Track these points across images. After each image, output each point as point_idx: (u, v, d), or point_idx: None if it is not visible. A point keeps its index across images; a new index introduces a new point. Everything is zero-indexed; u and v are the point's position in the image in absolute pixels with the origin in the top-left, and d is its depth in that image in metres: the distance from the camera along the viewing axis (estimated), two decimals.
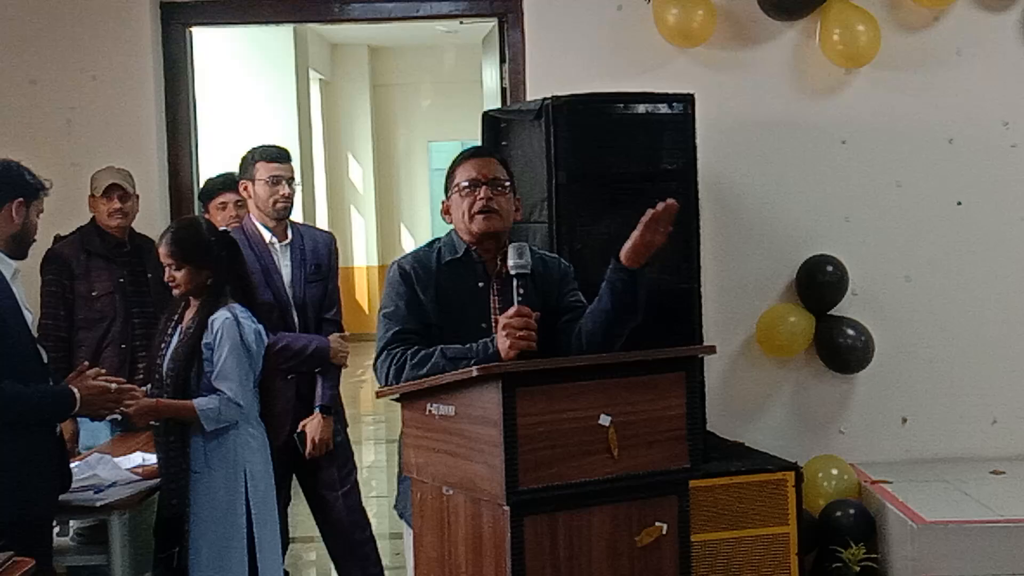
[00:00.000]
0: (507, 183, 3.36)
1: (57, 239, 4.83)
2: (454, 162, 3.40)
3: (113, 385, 3.76)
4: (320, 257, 4.69)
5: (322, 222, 12.86)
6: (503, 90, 5.54)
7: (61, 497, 3.78)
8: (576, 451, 2.83)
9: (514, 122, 4.80)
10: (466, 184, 3.32)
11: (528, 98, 5.23)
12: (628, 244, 3.11)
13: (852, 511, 4.97)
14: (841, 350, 5.26)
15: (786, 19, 5.30)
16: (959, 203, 5.39)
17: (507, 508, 2.75)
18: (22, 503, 3.51)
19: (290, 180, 4.62)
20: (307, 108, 11.99)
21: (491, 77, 5.80)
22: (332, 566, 4.97)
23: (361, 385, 11.21)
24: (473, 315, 3.30)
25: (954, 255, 5.40)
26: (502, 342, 3.06)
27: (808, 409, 5.43)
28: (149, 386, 4.06)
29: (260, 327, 4.07)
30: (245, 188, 4.64)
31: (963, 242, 5.39)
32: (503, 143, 4.85)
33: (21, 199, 3.67)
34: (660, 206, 3.05)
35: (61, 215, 4.77)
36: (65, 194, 4.72)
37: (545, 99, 4.52)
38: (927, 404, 5.41)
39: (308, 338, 4.57)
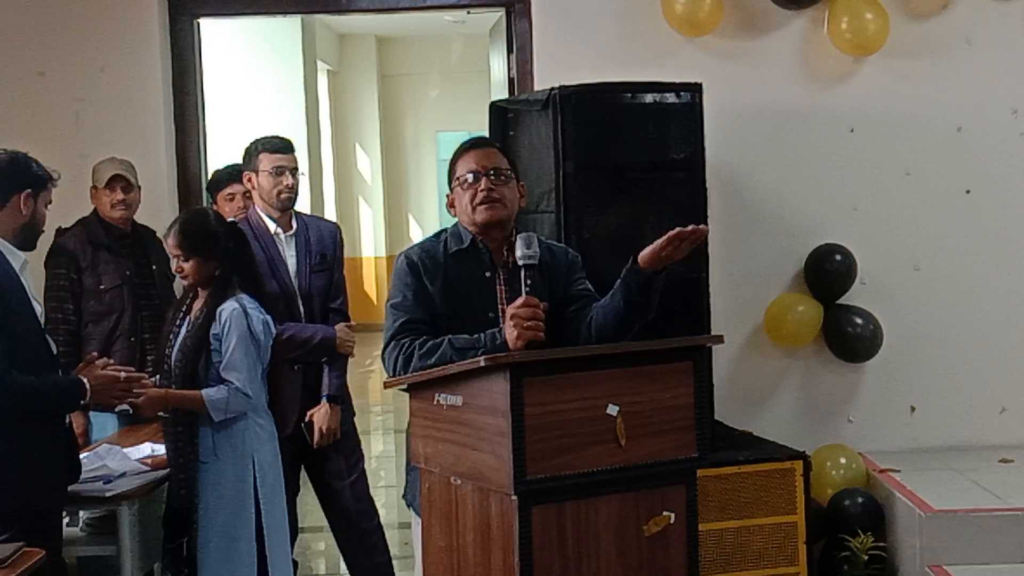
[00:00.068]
0: (508, 172, 3.37)
1: (59, 232, 4.82)
2: (455, 155, 3.42)
3: (122, 375, 3.77)
4: (325, 247, 4.69)
5: (330, 213, 12.86)
6: (511, 80, 5.54)
7: (71, 488, 3.79)
8: (584, 441, 2.83)
9: (522, 112, 4.79)
10: (467, 176, 3.33)
11: (536, 88, 5.23)
12: (648, 250, 3.11)
13: (860, 500, 4.97)
14: (849, 339, 5.26)
15: (794, 8, 5.29)
16: (968, 191, 5.38)
17: (515, 498, 2.75)
18: (31, 494, 3.52)
19: (294, 170, 4.63)
20: (315, 99, 11.98)
21: (498, 67, 5.79)
22: (341, 556, 4.99)
23: (369, 375, 11.22)
24: (480, 305, 3.31)
25: (963, 244, 5.38)
26: (510, 332, 3.07)
27: (816, 398, 5.43)
28: (158, 377, 4.07)
29: (268, 318, 4.08)
30: (249, 179, 4.65)
31: (972, 231, 5.38)
32: (511, 133, 4.85)
33: (29, 190, 3.67)
34: (690, 228, 3.06)
35: (70, 207, 4.79)
36: (74, 186, 4.75)
37: (552, 89, 4.52)
38: (936, 393, 5.40)
39: (314, 328, 4.58)
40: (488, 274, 3.35)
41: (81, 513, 4.15)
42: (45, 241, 4.62)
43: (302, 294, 4.60)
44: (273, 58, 11.05)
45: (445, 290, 3.31)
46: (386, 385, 3.28)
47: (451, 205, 3.42)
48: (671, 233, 3.07)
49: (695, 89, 4.61)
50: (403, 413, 3.30)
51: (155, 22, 5.38)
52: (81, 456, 3.97)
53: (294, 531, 4.59)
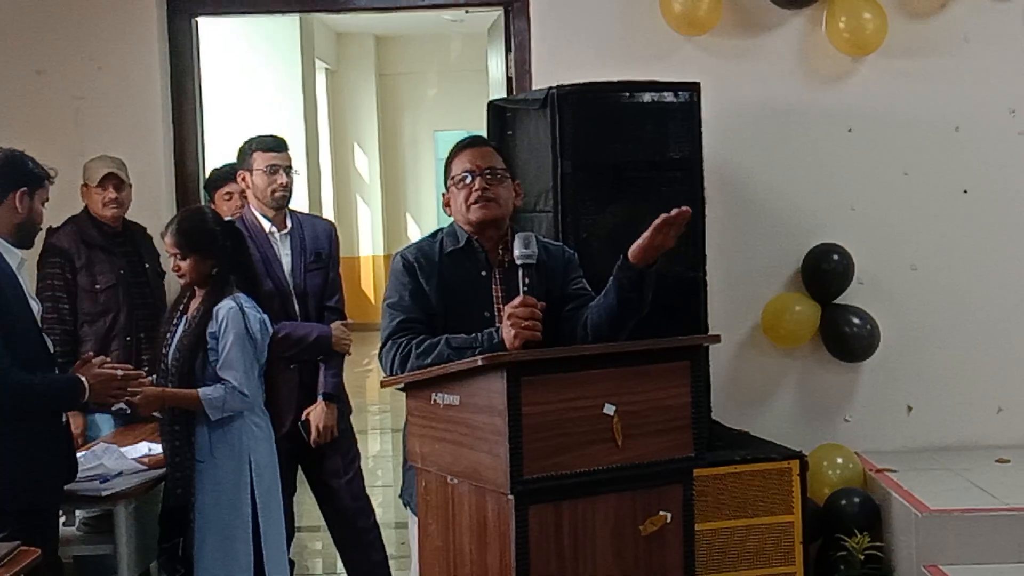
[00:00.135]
0: (504, 171, 3.37)
1: (50, 231, 4.76)
2: (450, 154, 3.43)
3: (120, 372, 3.76)
4: (320, 245, 4.69)
5: (328, 212, 12.86)
6: (509, 79, 5.53)
7: (67, 487, 3.79)
8: (581, 440, 2.83)
9: (520, 111, 4.79)
10: (462, 175, 3.34)
11: (534, 87, 5.22)
12: (637, 244, 3.12)
13: (857, 500, 4.97)
14: (847, 339, 5.26)
15: (792, 7, 5.28)
16: (965, 191, 5.38)
17: (512, 497, 2.75)
18: (29, 493, 3.51)
19: (287, 169, 4.63)
20: (313, 97, 11.97)
21: (496, 66, 5.79)
22: (338, 555, 4.99)
23: (367, 375, 11.22)
24: (476, 305, 3.31)
25: (960, 243, 5.38)
26: (507, 332, 3.07)
27: (813, 398, 5.43)
28: (155, 376, 4.06)
29: (265, 316, 4.08)
30: (243, 178, 4.65)
31: (969, 230, 5.38)
32: (509, 132, 4.85)
33: (24, 188, 3.66)
34: (674, 212, 3.06)
35: (68, 205, 4.79)
36: (72, 184, 4.75)
37: (550, 88, 4.52)
38: (933, 392, 5.40)
39: (310, 326, 4.58)
40: (484, 273, 3.35)
41: (77, 512, 4.14)
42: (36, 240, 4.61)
43: (297, 293, 4.60)
44: (271, 57, 11.05)
45: (441, 290, 3.31)
46: (383, 384, 3.29)
47: (447, 204, 3.42)
48: (657, 221, 3.07)
49: (693, 88, 4.61)
50: (400, 412, 3.30)
51: (153, 20, 5.38)
52: (78, 455, 3.96)
53: (291, 530, 4.59)
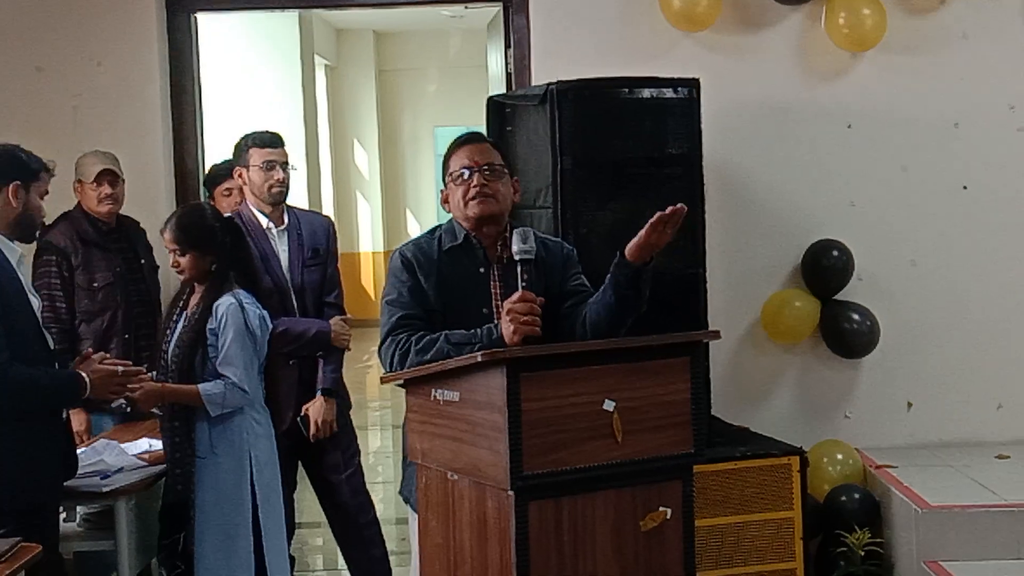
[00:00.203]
0: (502, 167, 3.37)
1: (43, 228, 4.71)
2: (448, 150, 3.43)
3: (120, 369, 3.76)
4: (318, 241, 4.69)
5: (328, 208, 12.85)
6: (508, 75, 5.53)
7: (68, 483, 3.78)
8: (580, 436, 2.84)
9: (519, 107, 4.79)
10: (460, 171, 3.34)
11: (533, 83, 5.22)
12: (633, 242, 3.12)
13: (857, 496, 4.97)
14: (846, 335, 5.26)
15: (791, 3, 5.28)
16: (965, 187, 5.38)
17: (512, 493, 2.76)
18: (26, 491, 3.50)
19: (284, 165, 4.63)
20: (312, 94, 11.97)
21: (496, 62, 5.79)
22: (339, 551, 4.99)
23: (367, 371, 11.22)
24: (474, 301, 3.32)
25: (960, 239, 5.38)
26: (506, 327, 3.07)
27: (813, 394, 5.43)
28: (154, 372, 4.07)
29: (264, 313, 4.09)
30: (240, 174, 4.65)
31: (969, 226, 5.38)
32: (508, 128, 4.85)
33: (18, 182, 3.61)
34: (669, 210, 3.06)
35: (69, 201, 4.78)
36: (71, 180, 4.75)
37: (550, 84, 4.51)
38: (932, 389, 5.41)
39: (308, 322, 4.58)
40: (482, 270, 3.36)
41: (78, 508, 4.15)
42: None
43: (295, 288, 4.61)
44: (270, 53, 11.04)
45: (439, 286, 3.32)
46: (383, 380, 3.29)
47: (445, 201, 3.43)
48: (653, 219, 3.08)
49: (693, 84, 4.61)
50: (401, 408, 3.30)
51: (152, 17, 5.38)
52: (78, 451, 3.96)
53: (291, 526, 4.59)
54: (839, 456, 5.19)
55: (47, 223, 4.66)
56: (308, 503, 5.54)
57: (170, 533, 4.06)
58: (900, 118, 5.35)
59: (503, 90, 5.45)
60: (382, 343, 3.28)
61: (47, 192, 3.76)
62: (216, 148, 5.88)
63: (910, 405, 5.43)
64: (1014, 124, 5.37)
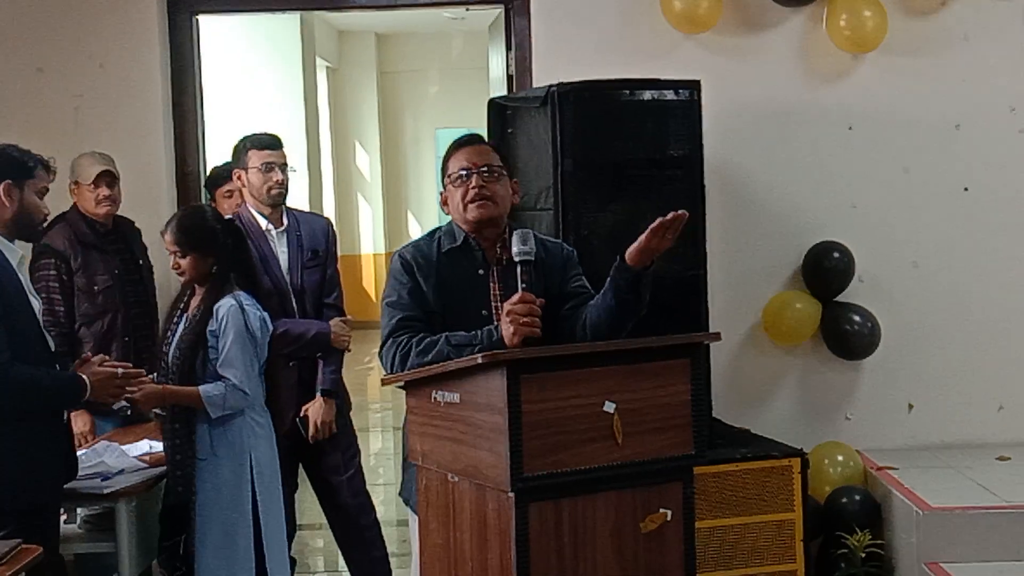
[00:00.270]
0: (500, 168, 3.37)
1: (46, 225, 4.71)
2: (447, 152, 3.43)
3: (119, 370, 3.76)
4: (317, 243, 4.70)
5: (329, 210, 12.84)
6: (509, 77, 5.53)
7: (68, 484, 3.78)
8: (581, 438, 2.84)
9: (520, 109, 4.79)
10: (459, 174, 3.35)
11: (534, 85, 5.22)
12: (633, 246, 3.13)
13: (858, 497, 4.97)
14: (847, 337, 5.26)
15: (793, 5, 5.28)
16: (966, 189, 5.38)
17: (512, 495, 2.76)
18: (27, 492, 3.50)
19: (283, 166, 4.63)
20: (314, 96, 11.97)
21: (497, 64, 5.79)
22: (339, 553, 4.99)
23: (368, 373, 11.22)
24: (474, 303, 3.32)
25: (961, 241, 5.38)
26: (506, 329, 3.07)
27: (814, 396, 5.43)
28: (155, 374, 4.07)
29: (265, 314, 4.09)
30: (239, 176, 4.66)
31: (970, 228, 5.38)
32: (509, 130, 4.85)
33: (9, 181, 3.56)
34: (670, 215, 3.06)
35: (64, 203, 4.77)
36: (67, 182, 4.74)
37: (551, 86, 4.52)
38: (933, 390, 5.40)
39: (308, 323, 4.58)
40: (481, 272, 3.36)
41: (79, 510, 4.14)
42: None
43: (294, 290, 4.61)
44: (272, 55, 11.04)
45: (439, 289, 3.32)
46: (384, 382, 3.29)
47: (444, 203, 3.43)
48: (654, 225, 3.08)
49: (694, 86, 4.61)
50: (402, 410, 3.30)
51: (154, 18, 5.38)
52: (79, 453, 3.96)
53: (292, 528, 4.59)
54: (840, 458, 5.18)
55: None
56: (309, 504, 5.54)
57: (171, 535, 4.06)
58: (901, 120, 5.35)
59: (504, 92, 5.45)
60: (382, 345, 3.29)
61: (47, 189, 3.71)
62: (217, 150, 5.89)
63: (911, 407, 5.42)
64: (1015, 126, 5.36)
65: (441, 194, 3.45)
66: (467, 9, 7.09)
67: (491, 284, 3.35)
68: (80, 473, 3.87)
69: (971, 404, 5.40)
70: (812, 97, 5.36)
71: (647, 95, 4.58)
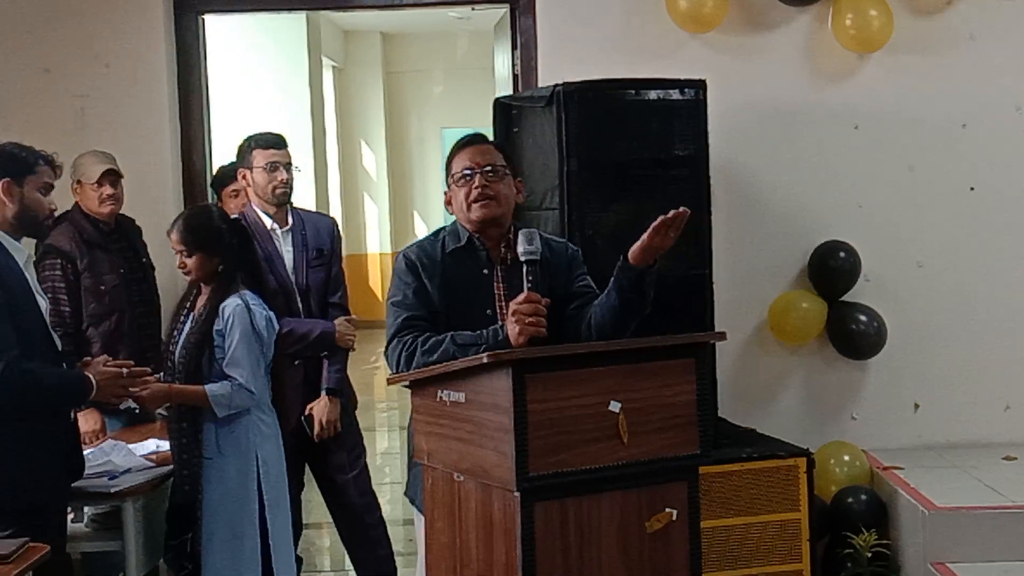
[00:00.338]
0: (504, 168, 3.37)
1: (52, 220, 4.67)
2: (451, 152, 3.44)
3: (124, 371, 3.76)
4: (322, 242, 4.70)
5: (335, 209, 12.87)
6: (515, 76, 5.53)
7: (76, 483, 3.79)
8: (586, 437, 2.84)
9: (525, 109, 4.80)
10: (462, 173, 3.35)
11: (540, 84, 5.23)
12: (636, 245, 3.13)
13: (864, 497, 4.97)
14: (853, 336, 5.25)
15: (798, 4, 5.28)
16: (972, 189, 5.37)
17: (517, 494, 2.76)
18: (27, 492, 3.49)
19: (288, 165, 4.64)
20: (320, 95, 11.99)
21: (503, 63, 5.79)
22: (346, 552, 5.00)
23: (374, 372, 11.22)
24: (477, 303, 3.33)
25: (967, 241, 5.38)
26: (512, 328, 3.07)
27: (820, 395, 5.43)
28: (162, 373, 4.07)
29: (271, 314, 4.10)
30: (244, 176, 4.66)
31: (976, 228, 5.37)
32: (515, 130, 4.85)
33: (8, 179, 3.55)
34: (672, 213, 3.06)
35: (66, 202, 4.76)
36: (70, 182, 4.75)
37: (556, 85, 4.52)
38: (940, 390, 5.39)
39: (313, 323, 4.59)
40: (485, 271, 3.36)
41: (86, 509, 4.15)
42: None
43: (300, 289, 4.62)
44: (278, 54, 11.05)
45: (443, 289, 3.33)
46: (389, 382, 3.30)
47: (448, 203, 3.44)
48: (655, 223, 3.08)
49: (699, 86, 4.61)
50: (408, 409, 3.30)
51: (160, 18, 5.39)
52: (86, 452, 3.96)
53: (298, 527, 4.60)
54: (846, 457, 5.18)
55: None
56: (315, 503, 5.54)
57: (177, 534, 4.07)
58: (907, 119, 5.35)
59: (510, 91, 5.46)
60: (388, 344, 3.30)
61: (51, 185, 3.68)
62: (223, 149, 5.89)
63: (917, 406, 5.42)
64: (1021, 125, 5.35)
65: (445, 194, 3.46)
66: (472, 9, 7.10)
67: (495, 284, 3.36)
68: (87, 472, 3.88)
69: (977, 404, 5.39)
70: (818, 97, 5.35)
71: (652, 95, 4.58)
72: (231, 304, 3.99)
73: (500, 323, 3.20)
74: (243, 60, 10.42)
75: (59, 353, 3.74)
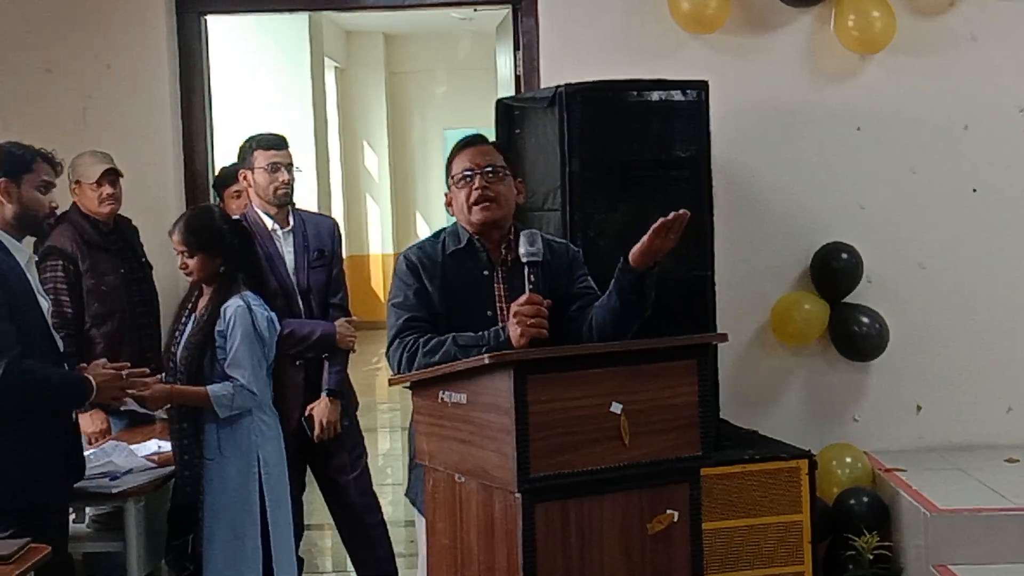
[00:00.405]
0: (504, 169, 3.37)
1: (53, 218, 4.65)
2: (451, 153, 3.44)
3: (124, 372, 3.76)
4: (323, 243, 4.70)
5: (337, 210, 12.87)
6: (517, 77, 5.53)
7: (77, 484, 3.79)
8: (588, 439, 2.84)
9: (528, 109, 4.80)
10: (462, 174, 3.35)
11: (542, 85, 5.23)
12: (636, 247, 3.13)
13: (866, 499, 4.96)
14: (855, 338, 5.25)
15: (800, 5, 5.28)
16: (974, 190, 5.36)
17: (519, 495, 2.76)
18: (27, 492, 3.49)
19: (289, 166, 4.64)
20: (322, 96, 11.99)
21: (505, 64, 5.79)
22: (347, 553, 5.00)
23: (376, 373, 11.23)
24: (478, 304, 3.32)
25: (969, 242, 5.37)
26: (513, 329, 3.07)
27: (822, 397, 5.42)
28: (163, 374, 4.07)
29: (272, 315, 4.10)
30: (245, 177, 4.67)
31: (978, 229, 5.36)
32: (517, 131, 4.85)
33: (5, 179, 3.54)
34: (672, 215, 3.06)
35: (64, 203, 4.76)
36: (69, 182, 4.74)
37: (558, 86, 4.52)
38: (942, 392, 5.39)
39: (313, 324, 4.59)
40: (486, 273, 3.36)
41: (87, 509, 4.16)
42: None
43: (300, 290, 4.62)
44: (280, 55, 11.06)
45: (444, 290, 3.33)
46: (391, 383, 3.29)
47: (449, 204, 3.44)
48: (655, 225, 3.08)
49: (701, 87, 4.61)
50: (409, 410, 3.30)
51: (162, 19, 5.39)
52: (87, 452, 3.97)
53: (300, 528, 4.60)
54: (848, 459, 5.17)
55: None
56: (317, 505, 5.54)
57: (179, 534, 4.07)
58: (909, 120, 5.34)
59: (512, 92, 5.45)
60: (389, 345, 3.29)
61: (50, 183, 3.66)
62: (225, 150, 5.88)
63: (919, 408, 5.41)
64: (1023, 126, 5.35)
65: (446, 195, 3.46)
66: (475, 9, 7.10)
67: (496, 285, 3.35)
68: (88, 472, 3.88)
69: (979, 405, 5.39)
70: (819, 97, 5.35)
71: (654, 95, 4.58)
72: (233, 305, 3.99)
73: (501, 324, 3.19)
74: (245, 60, 10.42)
75: (60, 354, 3.74)
